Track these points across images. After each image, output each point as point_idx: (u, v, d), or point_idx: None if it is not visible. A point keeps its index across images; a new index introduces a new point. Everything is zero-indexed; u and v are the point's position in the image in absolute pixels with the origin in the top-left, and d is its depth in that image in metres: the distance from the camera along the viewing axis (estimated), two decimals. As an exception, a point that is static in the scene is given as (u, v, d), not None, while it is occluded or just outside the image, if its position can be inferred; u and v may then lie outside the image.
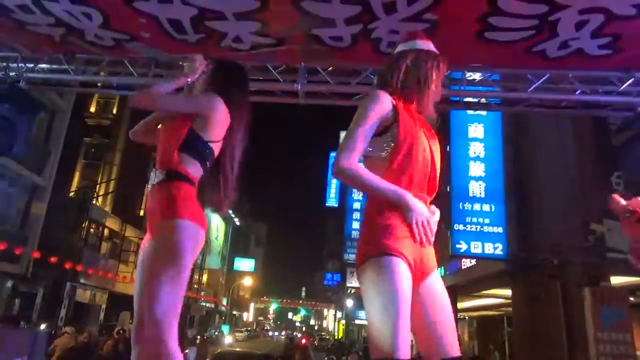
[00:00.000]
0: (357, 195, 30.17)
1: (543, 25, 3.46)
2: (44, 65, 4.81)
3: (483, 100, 4.84)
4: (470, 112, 12.45)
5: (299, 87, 4.51)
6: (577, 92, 4.32)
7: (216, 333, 35.16)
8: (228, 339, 31.47)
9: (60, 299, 17.23)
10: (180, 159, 1.95)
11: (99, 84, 5.00)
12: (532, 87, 4.29)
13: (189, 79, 2.22)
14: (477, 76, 4.57)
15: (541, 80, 4.25)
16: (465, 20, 3.49)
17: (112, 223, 21.74)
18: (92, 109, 23.88)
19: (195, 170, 1.99)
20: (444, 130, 15.26)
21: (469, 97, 4.68)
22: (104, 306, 21.49)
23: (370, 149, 1.71)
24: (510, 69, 4.40)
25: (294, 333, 44.82)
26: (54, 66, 4.80)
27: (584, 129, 8.77)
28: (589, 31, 3.50)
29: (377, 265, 1.52)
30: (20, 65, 4.77)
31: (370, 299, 1.52)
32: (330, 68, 4.58)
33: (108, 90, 5.24)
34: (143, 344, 1.67)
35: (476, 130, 12.50)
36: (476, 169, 12.07)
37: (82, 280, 18.47)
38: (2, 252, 12.35)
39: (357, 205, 29.82)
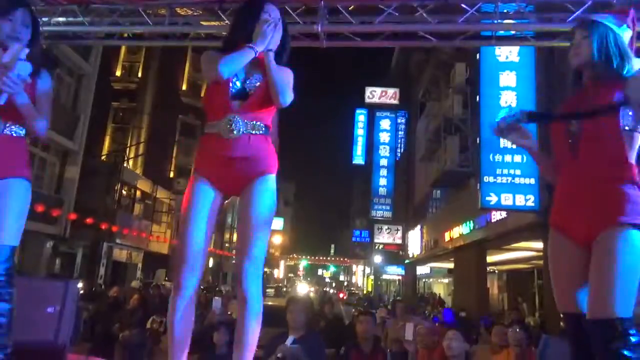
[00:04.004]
0: (383, 152, 29.82)
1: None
2: (59, 19, 4.73)
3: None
4: (501, 59, 11.87)
5: (320, 28, 4.29)
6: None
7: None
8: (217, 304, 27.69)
9: (98, 258, 17.95)
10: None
11: (115, 35, 4.88)
12: (572, 17, 3.94)
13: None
14: (510, 9, 4.24)
15: (583, 8, 3.90)
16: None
17: (144, 185, 22.20)
18: (118, 73, 23.95)
19: None
20: (473, 79, 14.66)
21: (501, 30, 4.36)
22: (140, 265, 22.33)
23: None
24: (548, -2, 4.05)
25: (325, 288, 45.74)
26: (69, 19, 4.71)
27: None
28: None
29: None
30: (35, 19, 4.70)
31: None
32: (352, 7, 4.33)
33: (124, 42, 5.14)
34: (255, 269, 1.96)
35: (508, 78, 11.90)
36: (508, 118, 11.58)
37: (118, 241, 19.13)
38: (40, 214, 12.80)
39: (383, 162, 29.50)
